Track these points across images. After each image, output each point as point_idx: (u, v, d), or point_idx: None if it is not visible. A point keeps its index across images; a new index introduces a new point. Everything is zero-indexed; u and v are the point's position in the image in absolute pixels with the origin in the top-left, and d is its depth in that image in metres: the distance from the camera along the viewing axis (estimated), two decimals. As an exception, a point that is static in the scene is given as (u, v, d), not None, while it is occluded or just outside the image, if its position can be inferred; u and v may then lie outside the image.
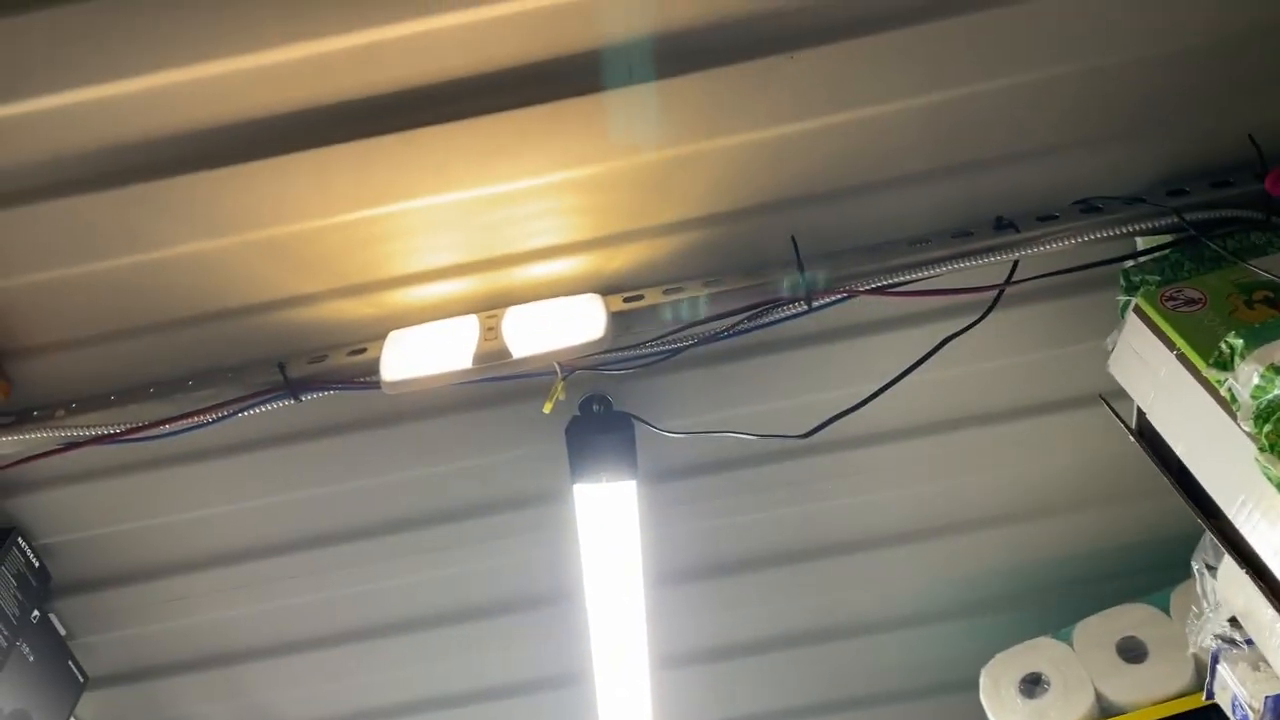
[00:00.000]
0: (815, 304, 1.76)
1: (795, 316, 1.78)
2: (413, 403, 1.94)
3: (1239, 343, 1.44)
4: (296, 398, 1.82)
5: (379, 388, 1.75)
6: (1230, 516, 1.54)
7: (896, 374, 1.83)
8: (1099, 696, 2.16)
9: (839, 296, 1.77)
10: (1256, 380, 1.38)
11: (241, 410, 1.83)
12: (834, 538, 2.25)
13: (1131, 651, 2.19)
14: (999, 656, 2.27)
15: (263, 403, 1.83)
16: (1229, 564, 1.62)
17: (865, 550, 2.27)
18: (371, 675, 2.39)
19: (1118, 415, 1.75)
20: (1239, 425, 1.43)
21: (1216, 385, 1.48)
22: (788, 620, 2.39)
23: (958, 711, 2.32)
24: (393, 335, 1.80)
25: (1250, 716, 1.78)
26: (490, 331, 1.76)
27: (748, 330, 1.79)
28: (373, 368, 1.77)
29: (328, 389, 1.83)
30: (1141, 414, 1.72)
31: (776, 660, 2.44)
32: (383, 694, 2.44)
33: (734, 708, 2.53)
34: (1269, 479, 1.39)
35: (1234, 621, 1.78)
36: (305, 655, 2.33)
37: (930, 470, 2.15)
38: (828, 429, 1.86)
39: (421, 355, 1.77)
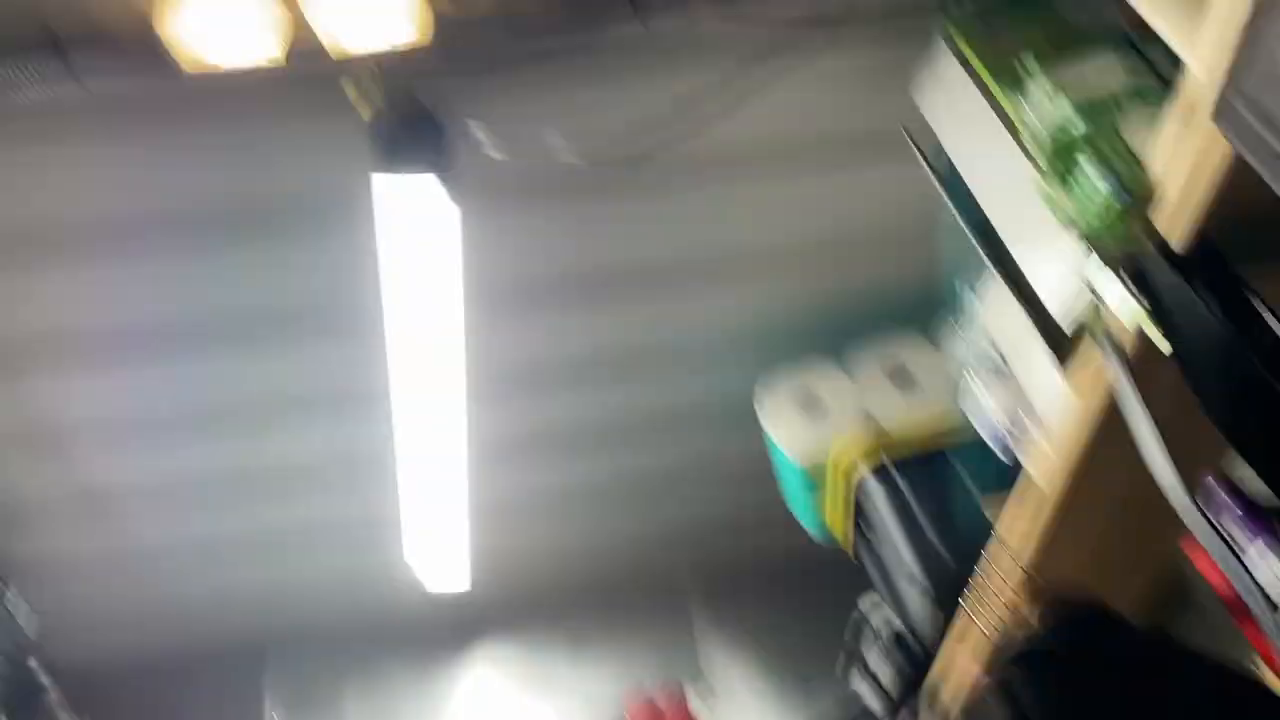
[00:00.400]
0: (650, 22, 1.72)
1: (629, 33, 1.74)
2: (210, 91, 1.79)
3: (1033, 65, 1.50)
4: (78, 80, 1.65)
5: (175, 75, 1.61)
6: (1008, 245, 1.67)
7: (722, 102, 1.84)
8: (869, 416, 2.39)
9: (676, 13, 1.74)
10: (1046, 104, 1.45)
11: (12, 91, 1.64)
12: (641, 264, 2.33)
13: (902, 377, 2.42)
14: (778, 376, 2.45)
15: (38, 83, 1.65)
16: (997, 286, 1.76)
17: (668, 278, 2.37)
18: (161, 381, 2.36)
19: (915, 144, 1.81)
20: (1026, 152, 1.51)
21: (1009, 110, 1.55)
22: (585, 343, 2.49)
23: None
24: (187, 13, 1.64)
25: (999, 432, 1.97)
26: (298, 20, 1.64)
27: (577, 45, 1.74)
28: (165, 49, 1.61)
29: (115, 74, 1.66)
30: (942, 149, 1.80)
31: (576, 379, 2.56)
32: (173, 400, 2.41)
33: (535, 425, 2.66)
34: (1048, 205, 1.48)
35: (992, 344, 1.95)
36: (88, 351, 2.25)
37: (744, 203, 2.23)
38: (652, 157, 1.86)
39: (222, 39, 1.63)
